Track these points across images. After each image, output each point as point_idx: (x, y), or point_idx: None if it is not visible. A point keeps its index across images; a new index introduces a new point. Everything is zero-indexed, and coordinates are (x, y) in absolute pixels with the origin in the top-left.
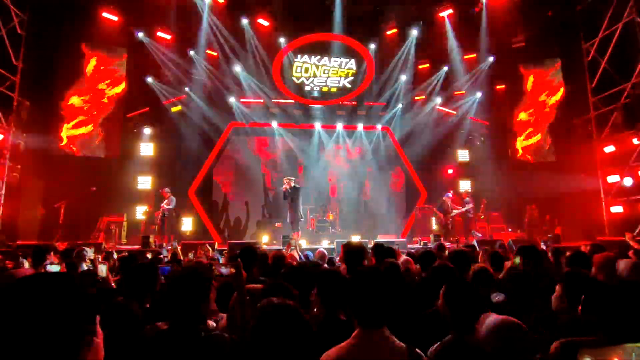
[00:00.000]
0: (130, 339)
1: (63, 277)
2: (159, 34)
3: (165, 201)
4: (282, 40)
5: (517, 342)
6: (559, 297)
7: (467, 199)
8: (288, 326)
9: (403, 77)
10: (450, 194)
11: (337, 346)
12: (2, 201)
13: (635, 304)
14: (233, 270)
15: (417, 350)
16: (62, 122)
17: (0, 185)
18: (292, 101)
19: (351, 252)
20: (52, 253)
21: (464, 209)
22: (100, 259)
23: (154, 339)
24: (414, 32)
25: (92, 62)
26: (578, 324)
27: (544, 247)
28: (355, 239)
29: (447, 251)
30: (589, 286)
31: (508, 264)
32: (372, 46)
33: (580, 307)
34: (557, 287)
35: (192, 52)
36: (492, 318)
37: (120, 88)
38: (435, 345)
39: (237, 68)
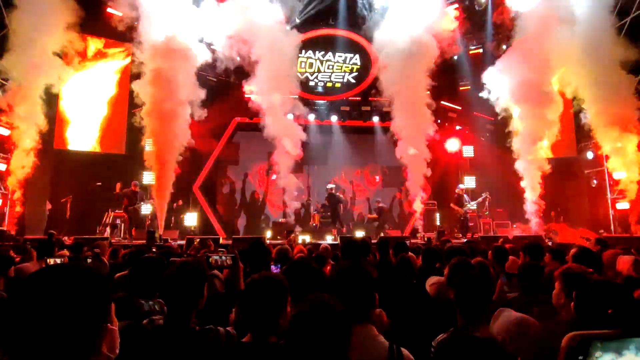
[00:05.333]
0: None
1: (79, 267)
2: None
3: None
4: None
5: (533, 341)
6: (558, 294)
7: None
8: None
9: None
10: (462, 186)
11: None
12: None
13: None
14: (230, 262)
15: (402, 349)
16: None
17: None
18: (296, 97)
19: (349, 247)
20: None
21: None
22: (106, 254)
23: (150, 334)
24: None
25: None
26: (575, 320)
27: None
28: (360, 234)
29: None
30: (581, 283)
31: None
32: (377, 41)
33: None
34: (556, 284)
35: None
36: (509, 313)
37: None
38: (442, 335)
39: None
